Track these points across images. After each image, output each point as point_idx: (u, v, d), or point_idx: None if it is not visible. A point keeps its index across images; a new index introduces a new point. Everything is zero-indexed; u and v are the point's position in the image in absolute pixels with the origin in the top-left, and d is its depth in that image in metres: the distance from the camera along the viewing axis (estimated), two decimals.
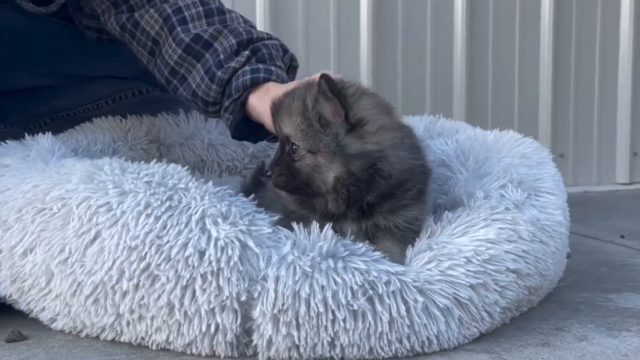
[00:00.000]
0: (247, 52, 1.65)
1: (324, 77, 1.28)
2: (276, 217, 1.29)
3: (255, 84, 1.59)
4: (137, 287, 1.20)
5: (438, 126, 2.05)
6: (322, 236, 1.24)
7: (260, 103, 1.56)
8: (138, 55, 1.87)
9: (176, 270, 1.18)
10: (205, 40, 1.71)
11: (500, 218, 1.38)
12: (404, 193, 1.35)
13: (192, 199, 1.25)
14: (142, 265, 1.20)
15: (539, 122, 3.69)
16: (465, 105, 3.53)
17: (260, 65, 1.63)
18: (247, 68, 1.62)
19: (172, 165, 1.35)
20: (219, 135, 2.31)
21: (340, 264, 1.20)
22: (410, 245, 1.34)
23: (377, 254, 1.26)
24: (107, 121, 2.08)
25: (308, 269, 1.18)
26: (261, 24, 3.13)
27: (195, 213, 1.22)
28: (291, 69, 1.76)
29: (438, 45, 3.50)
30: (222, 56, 1.66)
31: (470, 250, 1.29)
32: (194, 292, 1.18)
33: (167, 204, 1.24)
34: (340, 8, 3.34)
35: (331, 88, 1.27)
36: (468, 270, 1.26)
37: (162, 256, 1.19)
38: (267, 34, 1.76)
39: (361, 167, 1.29)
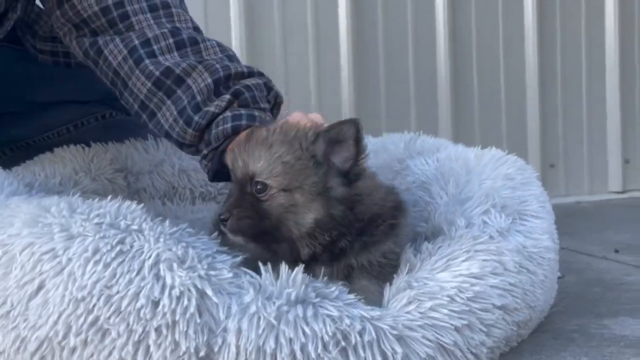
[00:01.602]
0: (228, 96, 1.51)
1: (356, 123, 1.21)
2: (240, 258, 1.18)
3: (236, 132, 1.46)
4: (85, 343, 1.08)
5: (418, 144, 1.95)
6: (291, 281, 1.13)
7: None
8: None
9: (128, 324, 1.07)
10: (177, 75, 1.57)
11: (484, 249, 1.28)
12: (373, 230, 1.26)
13: (146, 242, 1.14)
14: (91, 318, 1.08)
15: (528, 133, 3.62)
16: (451, 120, 3.46)
17: (243, 111, 1.50)
18: (228, 114, 1.49)
19: (127, 203, 1.24)
20: (191, 160, 2.20)
21: (310, 312, 1.09)
22: (388, 283, 1.24)
23: (351, 297, 1.15)
24: (69, 150, 1.97)
25: (273, 320, 1.07)
26: (237, 45, 3.05)
27: (149, 258, 1.11)
28: (276, 106, 1.63)
29: (421, 60, 3.43)
30: (198, 98, 1.53)
31: (454, 287, 1.18)
32: (147, 347, 1.07)
33: (118, 248, 1.12)
34: (319, 27, 3.26)
35: (358, 137, 1.20)
36: (452, 311, 1.16)
37: (112, 308, 1.07)
38: (247, 67, 1.61)
39: (343, 212, 1.21)
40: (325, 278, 1.20)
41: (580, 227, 2.85)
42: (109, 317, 1.07)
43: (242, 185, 1.24)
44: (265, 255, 1.25)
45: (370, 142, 1.76)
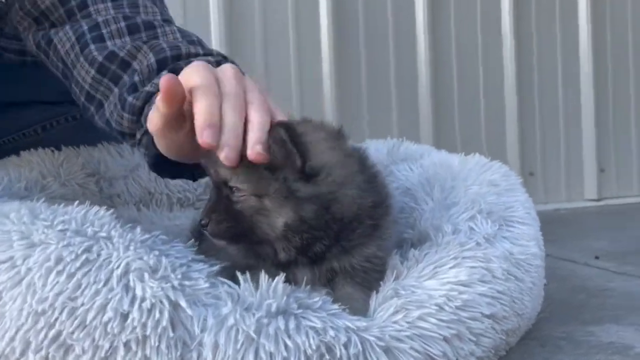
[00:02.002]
0: (164, 74, 1.26)
1: (284, 127, 1.11)
2: (217, 267, 1.11)
3: None
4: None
5: (402, 150, 1.89)
6: (272, 291, 1.05)
7: None
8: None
9: (93, 339, 0.99)
10: (121, 58, 1.39)
11: (471, 255, 1.22)
12: (350, 233, 1.18)
13: (114, 251, 1.05)
14: (52, 333, 0.99)
15: (507, 141, 3.62)
16: (432, 126, 3.44)
17: None
18: None
19: (95, 209, 1.16)
20: None
21: (292, 324, 1.02)
22: (375, 290, 1.18)
23: (335, 307, 1.08)
24: (37, 154, 1.87)
25: (253, 334, 0.99)
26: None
27: (117, 268, 1.03)
28: None
29: (402, 67, 3.41)
30: (137, 78, 1.34)
31: (442, 295, 1.12)
32: None
33: (84, 257, 1.04)
34: (299, 33, 3.21)
35: (292, 138, 1.10)
36: (440, 320, 1.09)
37: (76, 322, 0.99)
38: (207, 50, 1.41)
39: (315, 212, 1.13)
40: (308, 286, 1.13)
41: (561, 234, 2.82)
42: (73, 332, 0.99)
43: (218, 189, 1.18)
44: (248, 261, 1.20)
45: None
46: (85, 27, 1.49)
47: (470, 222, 1.32)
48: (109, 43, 1.44)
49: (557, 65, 3.72)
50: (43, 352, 1.00)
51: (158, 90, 1.21)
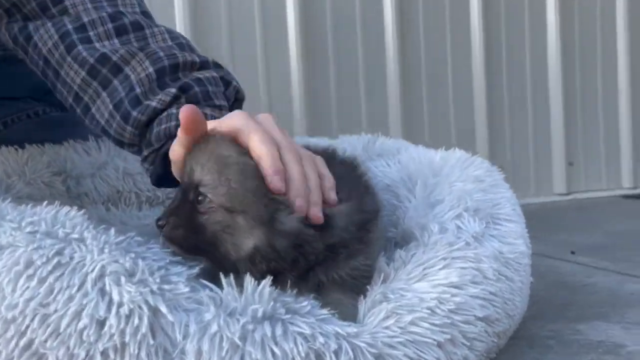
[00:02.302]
0: (174, 90, 1.30)
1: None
2: (196, 270, 1.05)
3: None
4: None
5: (377, 146, 1.85)
6: (257, 295, 0.99)
7: None
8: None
9: (68, 347, 0.92)
10: (113, 62, 1.37)
11: (461, 256, 1.18)
12: (336, 255, 1.14)
13: (88, 253, 0.98)
14: (23, 342, 0.92)
15: (476, 136, 3.61)
16: (401, 120, 3.41)
17: None
18: (173, 111, 1.29)
19: (65, 209, 1.09)
20: (136, 162, 2.04)
21: (279, 330, 0.96)
22: (362, 295, 1.13)
23: (324, 312, 1.03)
24: (0, 152, 1.79)
25: (238, 341, 0.94)
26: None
27: (92, 271, 0.96)
28: (236, 103, 1.43)
29: (370, 60, 3.37)
30: (137, 90, 1.32)
31: (434, 298, 1.08)
32: None
33: (56, 260, 0.97)
34: (266, 25, 3.15)
35: None
36: (433, 325, 1.05)
37: (49, 329, 0.92)
38: (201, 57, 1.40)
39: (286, 246, 1.08)
40: (295, 290, 1.07)
41: (534, 229, 2.80)
42: (46, 340, 0.92)
43: (185, 191, 1.11)
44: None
45: (326, 144, 1.65)
46: (70, 27, 1.44)
47: (457, 221, 1.28)
48: (97, 45, 1.40)
49: (525, 60, 3.72)
50: None
51: (164, 107, 1.29)
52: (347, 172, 1.23)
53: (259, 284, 1.01)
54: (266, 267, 1.08)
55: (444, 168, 1.47)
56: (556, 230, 2.85)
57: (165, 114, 1.30)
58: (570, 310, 1.65)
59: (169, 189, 2.08)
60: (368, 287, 1.15)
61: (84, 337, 0.92)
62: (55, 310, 0.93)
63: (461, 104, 3.58)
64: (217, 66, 1.42)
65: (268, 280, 1.02)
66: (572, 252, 2.35)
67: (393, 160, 1.70)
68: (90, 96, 1.40)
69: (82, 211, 1.09)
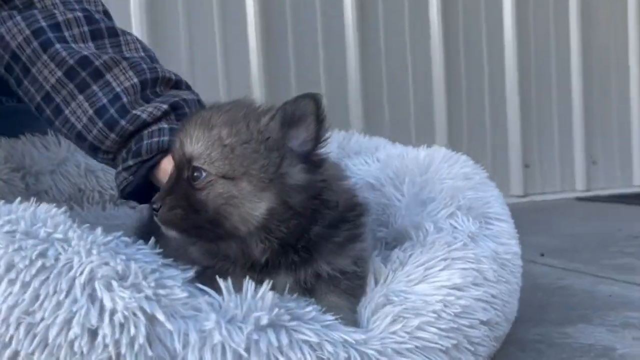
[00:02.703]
0: (165, 107, 1.30)
1: (316, 98, 1.00)
2: (191, 273, 0.97)
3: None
4: None
5: (353, 143, 1.80)
6: (259, 300, 0.93)
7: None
8: None
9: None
10: (95, 67, 1.33)
11: (461, 256, 1.14)
12: (349, 222, 1.09)
13: (75, 255, 0.90)
14: (8, 354, 0.84)
15: (436, 137, 3.61)
16: (362, 113, 3.38)
17: None
18: (164, 126, 1.28)
19: (44, 206, 1.00)
20: None
21: (284, 339, 0.90)
22: (359, 297, 1.08)
23: (329, 317, 0.97)
24: None
25: (243, 352, 0.87)
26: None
27: (80, 274, 0.88)
28: None
29: (330, 54, 3.35)
30: (124, 99, 1.30)
31: (438, 301, 1.04)
32: None
33: (40, 263, 0.88)
34: (225, 26, 3.08)
35: (319, 114, 1.01)
36: (440, 329, 1.00)
37: (36, 340, 0.84)
38: (173, 74, 1.40)
39: (302, 200, 1.01)
40: (295, 294, 1.01)
41: None
42: (33, 352, 0.84)
43: (179, 170, 1.04)
44: (214, 263, 1.06)
45: None
46: (44, 24, 1.37)
47: (450, 220, 1.24)
48: (75, 46, 1.36)
49: (483, 71, 3.77)
50: None
51: (153, 121, 1.28)
52: None
53: (257, 288, 0.95)
54: (283, 229, 1.01)
55: (431, 165, 1.43)
56: (520, 232, 2.86)
57: (156, 127, 1.29)
58: (550, 312, 1.63)
59: None
60: (364, 288, 1.10)
61: (75, 349, 0.84)
62: (42, 319, 0.85)
63: (422, 101, 3.60)
64: (189, 87, 1.42)
65: (269, 283, 0.96)
66: (542, 254, 2.35)
67: (372, 158, 1.66)
68: (63, 98, 1.35)
69: (63, 208, 1.00)
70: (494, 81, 3.80)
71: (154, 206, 1.03)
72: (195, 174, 1.01)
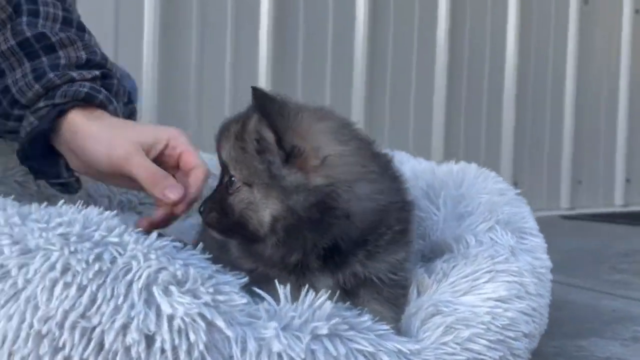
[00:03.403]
0: (97, 72, 1.30)
1: (255, 91, 1.01)
2: (246, 279, 0.96)
3: (89, 101, 1.25)
4: None
5: None
6: (318, 309, 0.91)
7: (86, 124, 1.23)
8: None
9: None
10: (50, 43, 1.32)
11: (505, 269, 1.14)
12: (378, 238, 1.07)
13: (132, 259, 0.88)
14: (59, 359, 0.81)
15: (432, 146, 3.64)
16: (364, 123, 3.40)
17: (104, 91, 1.30)
18: (87, 84, 1.27)
19: (94, 209, 0.98)
20: None
21: (341, 348, 0.88)
22: (402, 307, 1.07)
23: (383, 327, 0.96)
24: None
25: None
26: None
27: (138, 279, 0.86)
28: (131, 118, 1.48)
29: (338, 67, 3.38)
30: (62, 62, 1.29)
31: (486, 313, 1.03)
32: None
33: (96, 266, 0.86)
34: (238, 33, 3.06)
35: (260, 104, 0.99)
36: (489, 341, 1.00)
37: (91, 345, 0.81)
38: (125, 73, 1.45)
39: (304, 204, 1.00)
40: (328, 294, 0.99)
41: None
42: (87, 358, 0.81)
43: (222, 175, 1.09)
44: (256, 267, 1.08)
45: None
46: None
47: (490, 233, 1.24)
48: (40, 21, 1.35)
49: (483, 95, 3.82)
50: None
51: (81, 79, 1.27)
52: None
53: (316, 295, 0.94)
54: (285, 234, 1.02)
55: (464, 180, 1.43)
56: None
57: (79, 83, 1.27)
58: (562, 326, 1.64)
59: (141, 194, 1.97)
60: (406, 298, 1.09)
61: (133, 354, 0.81)
62: (100, 323, 0.82)
63: (421, 114, 3.62)
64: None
65: (326, 293, 0.94)
66: None
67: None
68: (10, 64, 1.32)
69: (114, 212, 0.98)
70: (491, 103, 3.86)
71: (200, 209, 1.09)
72: (232, 179, 1.05)
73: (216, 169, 1.97)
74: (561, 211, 4.15)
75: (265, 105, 1.00)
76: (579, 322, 1.69)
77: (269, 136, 1.00)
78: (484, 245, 1.19)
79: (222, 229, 1.07)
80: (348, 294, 1.07)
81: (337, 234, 1.03)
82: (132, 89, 1.68)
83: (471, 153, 3.79)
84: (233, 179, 1.05)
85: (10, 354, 0.82)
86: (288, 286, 0.95)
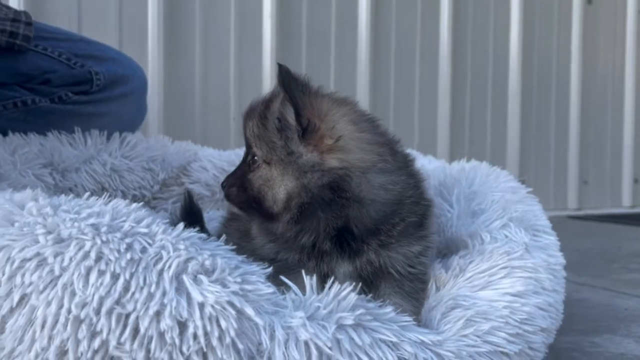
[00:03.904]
0: None
1: (280, 67, 1.05)
2: (270, 269, 0.98)
3: None
4: None
5: None
6: (343, 300, 0.94)
7: None
8: None
9: (148, 351, 0.84)
10: None
11: (520, 265, 1.16)
12: (390, 229, 1.10)
13: (162, 249, 0.90)
14: (96, 343, 0.84)
15: (437, 145, 3.65)
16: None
17: None
18: None
19: (120, 201, 1.00)
20: (123, 159, 1.95)
21: (366, 338, 0.91)
22: (422, 301, 1.09)
23: (406, 318, 0.98)
24: None
25: (328, 350, 0.88)
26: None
27: (168, 268, 0.88)
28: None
29: (343, 68, 3.36)
30: None
31: (505, 307, 1.05)
32: None
33: (128, 255, 0.88)
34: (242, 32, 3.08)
35: (284, 79, 1.03)
36: (508, 335, 1.02)
37: (128, 330, 0.84)
38: None
39: (317, 184, 1.05)
40: (349, 281, 1.02)
41: None
42: (123, 343, 0.84)
43: (246, 154, 1.15)
44: (278, 254, 1.12)
45: None
46: None
47: (504, 230, 1.26)
48: None
49: (487, 89, 3.82)
50: None
51: None
52: None
53: (341, 286, 0.96)
54: (299, 212, 1.06)
55: (476, 178, 1.45)
56: None
57: None
58: (575, 323, 1.66)
59: (155, 188, 2.00)
60: (424, 293, 1.12)
61: (167, 339, 0.84)
62: (134, 309, 0.85)
63: (426, 114, 3.63)
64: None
65: (351, 285, 0.97)
66: None
67: None
68: None
69: (141, 204, 1.00)
70: (496, 102, 3.86)
71: (222, 183, 1.14)
72: (253, 157, 1.11)
73: (224, 164, 2.01)
74: (568, 211, 4.15)
75: (288, 81, 1.04)
76: (592, 320, 1.71)
77: (290, 112, 1.05)
78: (498, 242, 1.21)
79: (240, 203, 1.12)
80: (369, 287, 1.10)
81: (351, 218, 1.07)
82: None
83: (477, 154, 3.80)
84: (255, 157, 1.09)
85: (50, 338, 0.84)
86: (314, 277, 0.97)
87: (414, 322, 1.00)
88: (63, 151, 1.85)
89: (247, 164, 1.12)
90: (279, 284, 0.99)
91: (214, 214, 1.71)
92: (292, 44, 3.24)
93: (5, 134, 1.77)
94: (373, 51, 3.43)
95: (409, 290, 1.10)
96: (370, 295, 1.05)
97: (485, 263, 1.15)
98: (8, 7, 1.74)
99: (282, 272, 1.01)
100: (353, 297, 0.94)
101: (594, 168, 4.25)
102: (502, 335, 1.02)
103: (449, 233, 1.31)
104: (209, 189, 1.98)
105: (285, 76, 1.04)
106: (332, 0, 3.34)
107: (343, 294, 0.95)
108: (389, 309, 0.97)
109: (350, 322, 0.92)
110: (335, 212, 1.06)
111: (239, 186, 1.11)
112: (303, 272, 0.99)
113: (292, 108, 1.04)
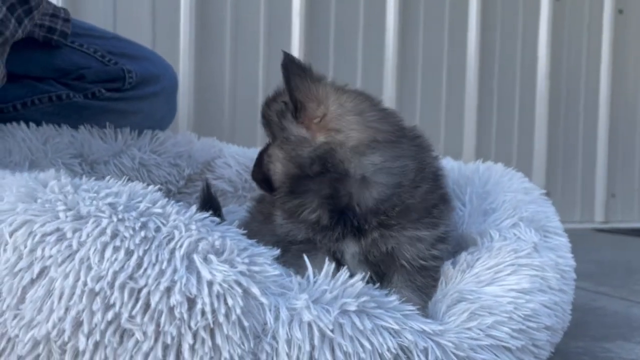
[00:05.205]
0: None
1: (285, 54, 1.12)
2: (277, 251, 1.02)
3: None
4: (97, 346, 0.88)
5: None
6: (349, 285, 0.97)
7: None
8: None
9: (158, 325, 0.88)
10: None
11: (527, 263, 1.18)
12: (390, 208, 1.13)
13: (174, 229, 0.95)
14: (110, 315, 0.88)
15: (463, 152, 3.66)
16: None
17: None
18: None
19: (138, 183, 1.05)
20: (152, 154, 2.00)
21: (368, 324, 0.94)
22: (431, 296, 1.12)
23: (409, 307, 1.01)
24: (20, 128, 1.73)
25: (330, 333, 0.91)
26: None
27: (180, 247, 0.93)
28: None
29: (368, 69, 3.41)
30: None
31: (509, 302, 1.07)
32: (178, 353, 0.88)
33: (142, 233, 0.93)
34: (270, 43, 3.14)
35: (285, 63, 1.10)
36: (512, 330, 1.04)
37: (139, 304, 0.88)
38: None
39: (307, 157, 1.12)
40: (356, 261, 1.09)
41: None
42: (134, 316, 0.88)
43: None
44: (294, 236, 1.18)
45: None
46: None
47: (513, 230, 1.28)
48: None
49: (515, 98, 3.82)
50: (97, 337, 0.88)
51: None
52: None
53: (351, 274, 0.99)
54: (300, 188, 1.13)
55: (490, 178, 1.47)
56: None
57: None
58: (588, 329, 1.66)
59: (180, 183, 2.06)
60: (434, 289, 1.14)
61: (176, 314, 0.88)
62: (146, 285, 0.89)
63: (453, 118, 3.65)
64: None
65: (360, 275, 1.00)
66: None
67: None
68: None
69: (157, 186, 1.05)
70: (523, 113, 3.85)
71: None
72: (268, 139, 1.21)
73: (247, 161, 2.06)
74: (595, 224, 4.12)
75: (288, 64, 1.11)
76: (606, 327, 1.71)
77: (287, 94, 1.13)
78: (507, 240, 1.23)
79: (257, 180, 1.23)
80: (382, 280, 1.13)
81: (353, 197, 1.12)
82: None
83: (503, 160, 3.79)
84: (273, 137, 1.19)
85: (66, 309, 0.89)
86: (333, 264, 1.00)
87: (418, 312, 1.02)
88: (93, 144, 1.91)
89: (268, 145, 1.22)
90: (292, 264, 1.03)
91: (234, 208, 1.75)
92: (320, 42, 3.27)
93: (38, 125, 1.83)
94: (401, 54, 3.45)
95: (421, 285, 1.13)
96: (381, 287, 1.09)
97: (492, 260, 1.17)
98: (48, 2, 1.80)
99: (301, 253, 1.05)
100: (360, 285, 0.98)
101: (622, 181, 4.20)
102: (505, 330, 1.04)
103: (460, 230, 1.33)
104: (231, 185, 2.03)
105: (287, 60, 1.11)
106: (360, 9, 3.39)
107: (350, 282, 0.98)
108: (393, 297, 1.00)
109: (353, 308, 0.95)
110: (327, 185, 1.12)
111: (257, 164, 1.22)
112: (326, 257, 1.05)
113: (287, 88, 1.12)
